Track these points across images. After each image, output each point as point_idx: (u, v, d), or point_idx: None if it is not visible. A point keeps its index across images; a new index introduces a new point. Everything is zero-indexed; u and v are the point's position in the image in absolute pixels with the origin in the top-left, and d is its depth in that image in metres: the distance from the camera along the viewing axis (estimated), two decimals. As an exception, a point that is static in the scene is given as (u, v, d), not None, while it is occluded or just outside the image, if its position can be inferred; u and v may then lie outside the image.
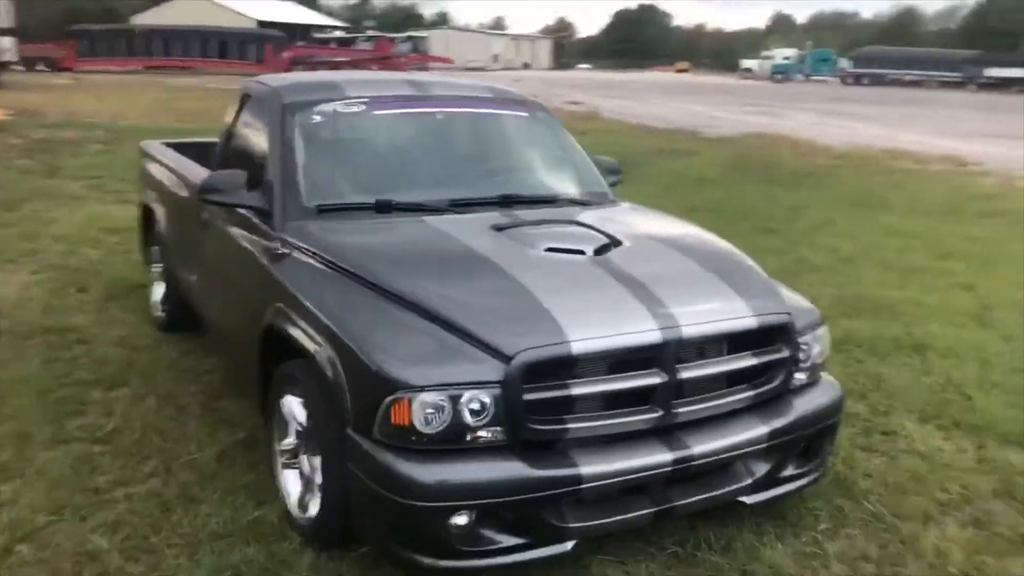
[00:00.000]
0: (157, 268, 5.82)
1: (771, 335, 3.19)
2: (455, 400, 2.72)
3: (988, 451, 4.08)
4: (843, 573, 3.14)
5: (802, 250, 8.18)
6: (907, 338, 5.62)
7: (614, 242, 3.40)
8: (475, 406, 2.73)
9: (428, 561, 2.80)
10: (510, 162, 4.35)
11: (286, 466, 3.47)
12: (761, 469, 3.19)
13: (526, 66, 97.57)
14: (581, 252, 3.32)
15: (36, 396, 4.55)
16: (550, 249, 3.33)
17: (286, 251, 3.55)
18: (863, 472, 3.82)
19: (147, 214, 5.85)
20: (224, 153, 4.57)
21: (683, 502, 3.03)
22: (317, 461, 3.19)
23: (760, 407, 3.18)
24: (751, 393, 3.15)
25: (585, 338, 2.82)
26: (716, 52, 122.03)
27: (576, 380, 2.84)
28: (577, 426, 2.84)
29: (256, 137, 4.36)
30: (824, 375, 3.49)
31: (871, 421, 4.38)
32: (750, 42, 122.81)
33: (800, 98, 39.89)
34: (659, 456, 2.92)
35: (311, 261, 3.42)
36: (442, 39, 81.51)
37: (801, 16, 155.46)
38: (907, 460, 3.97)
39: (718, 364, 3.08)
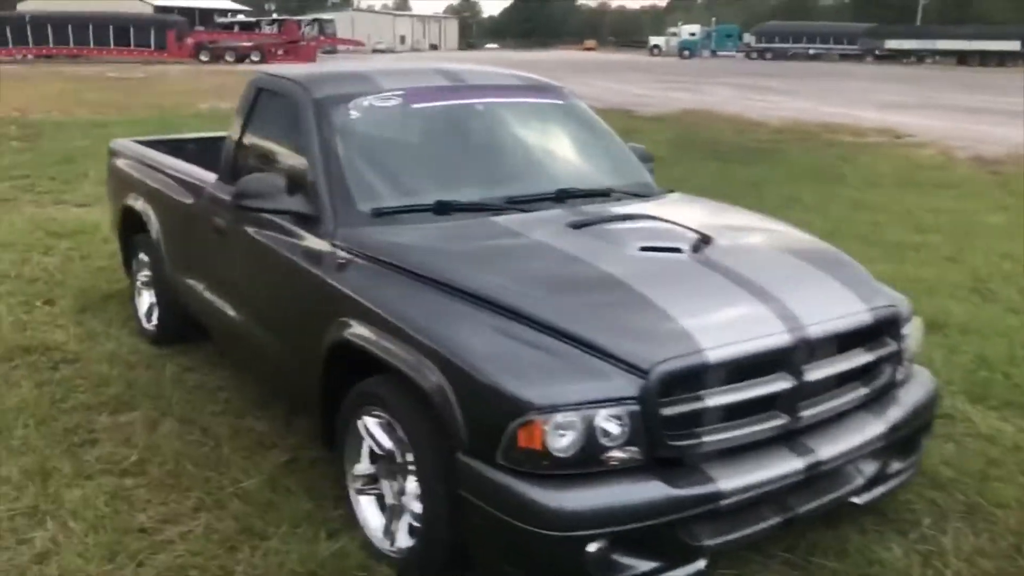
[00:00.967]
0: (144, 277, 5.41)
1: (881, 329, 3.07)
2: (589, 420, 2.51)
3: (1048, 429, 4.07)
4: (966, 571, 3.05)
5: (780, 228, 8.16)
6: (922, 315, 5.59)
7: (704, 238, 3.22)
8: (610, 425, 2.53)
9: (559, 591, 2.60)
10: (556, 154, 4.13)
11: (361, 492, 3.21)
12: (871, 468, 3.07)
13: (433, 47, 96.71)
14: (678, 250, 3.14)
15: (38, 425, 4.15)
16: (645, 248, 3.13)
17: (347, 260, 3.26)
18: (940, 460, 3.75)
19: (128, 218, 5.42)
20: (237, 154, 4.21)
21: (805, 509, 2.89)
22: (409, 487, 2.95)
23: (872, 404, 3.06)
24: (865, 391, 3.03)
25: (719, 345, 2.64)
26: (620, 30, 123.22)
27: (708, 390, 2.66)
28: (711, 439, 2.66)
29: (281, 136, 4.03)
30: (916, 366, 3.40)
31: (923, 405, 4.32)
32: (653, 19, 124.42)
33: (713, 73, 40.44)
34: (791, 464, 2.76)
35: (383, 270, 3.14)
36: (347, 21, 79.88)
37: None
38: (975, 444, 3.93)
39: (837, 363, 2.94)
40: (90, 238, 7.71)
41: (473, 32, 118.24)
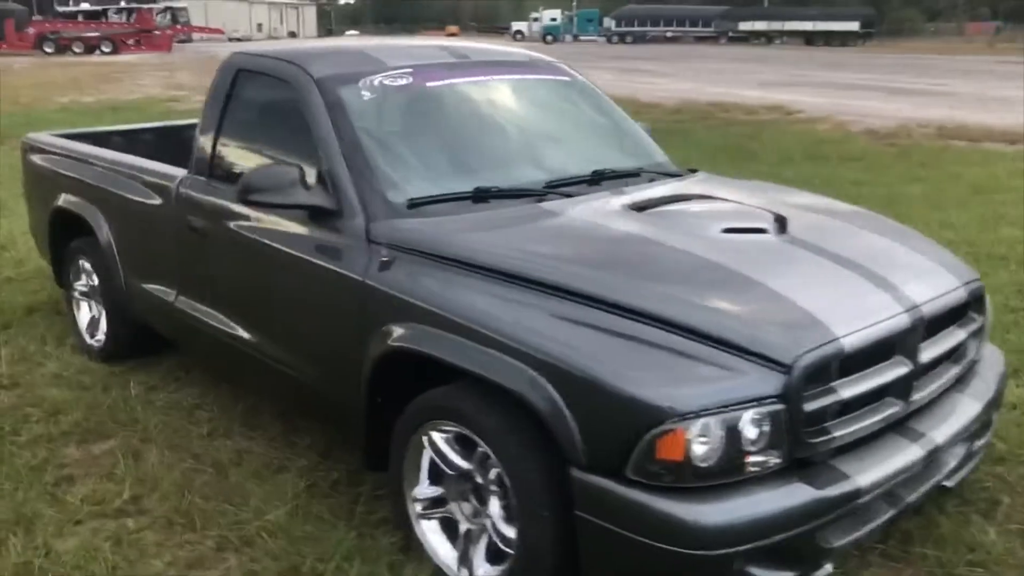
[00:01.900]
0: (83, 286, 4.83)
1: (970, 305, 2.95)
2: (733, 424, 2.27)
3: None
4: (1069, 550, 2.97)
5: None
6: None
7: (778, 218, 3.02)
8: (753, 427, 2.29)
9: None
10: (579, 133, 3.84)
11: (425, 517, 2.87)
12: (961, 448, 2.95)
13: (292, 35, 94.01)
14: (762, 231, 2.92)
15: (-4, 465, 3.60)
16: (728, 230, 2.90)
17: (391, 257, 2.90)
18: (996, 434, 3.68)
19: (61, 221, 4.81)
20: (216, 145, 3.74)
21: (913, 498, 2.73)
22: (493, 509, 2.64)
23: (962, 382, 2.94)
24: (957, 369, 2.90)
25: (851, 332, 2.44)
26: (480, 16, 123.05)
27: (841, 381, 2.45)
28: (840, 433, 2.46)
29: (275, 123, 3.61)
30: (979, 341, 3.31)
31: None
32: (513, 5, 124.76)
33: (585, 57, 40.73)
34: (912, 452, 2.60)
35: (441, 267, 2.80)
36: (200, 8, 76.50)
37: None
38: (1009, 415, 3.89)
39: (941, 342, 2.79)
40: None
41: (332, 19, 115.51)
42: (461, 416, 2.65)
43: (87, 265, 4.72)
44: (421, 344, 2.71)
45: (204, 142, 3.81)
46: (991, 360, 3.18)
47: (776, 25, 66.00)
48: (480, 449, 2.63)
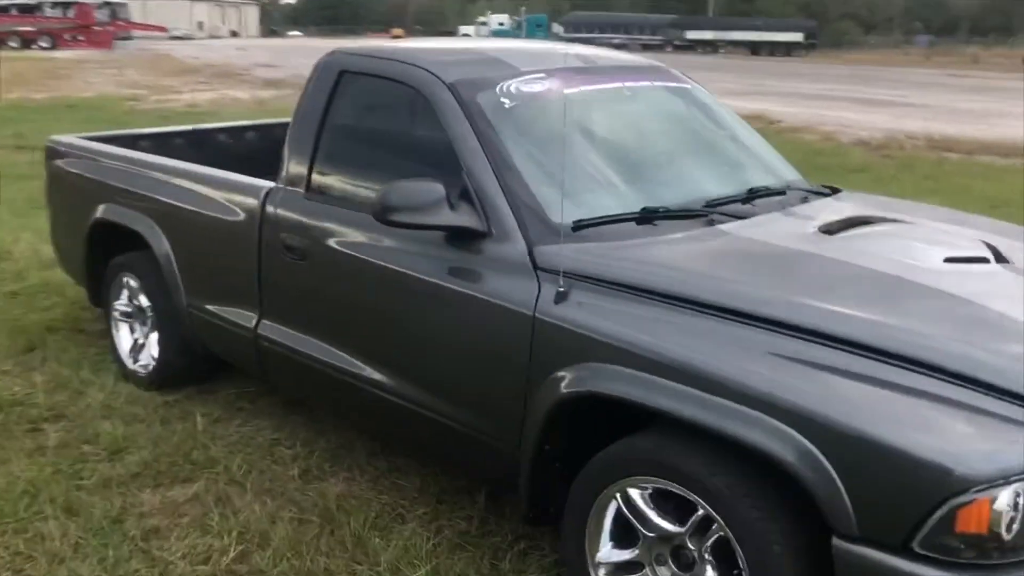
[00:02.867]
0: (125, 306, 4.37)
1: None
2: None
3: None
4: None
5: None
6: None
7: (990, 245, 2.76)
8: (1055, 491, 2.01)
9: None
10: (717, 145, 3.53)
11: (613, 584, 2.54)
12: None
13: (234, 34, 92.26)
14: (985, 260, 2.66)
15: (69, 516, 3.17)
16: (950, 259, 2.62)
17: (568, 288, 2.56)
18: None
19: (102, 234, 4.35)
20: (314, 154, 3.35)
21: None
22: (711, 578, 2.32)
23: None
24: None
25: None
26: (424, 19, 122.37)
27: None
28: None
29: (393, 130, 3.26)
30: None
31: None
32: (458, 8, 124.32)
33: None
34: None
35: (630, 299, 2.47)
36: (139, 5, 74.53)
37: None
38: None
39: None
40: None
41: (274, 19, 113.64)
42: (674, 472, 2.33)
43: (133, 283, 4.27)
44: (623, 388, 2.37)
45: (299, 152, 3.42)
46: None
47: (723, 35, 66.80)
48: (699, 512, 2.31)
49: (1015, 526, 1.97)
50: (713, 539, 2.31)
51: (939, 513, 1.95)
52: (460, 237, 2.82)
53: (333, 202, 3.26)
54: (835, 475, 2.05)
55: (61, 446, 3.69)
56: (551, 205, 2.77)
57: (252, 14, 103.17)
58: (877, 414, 2.05)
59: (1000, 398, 2.08)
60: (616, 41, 70.60)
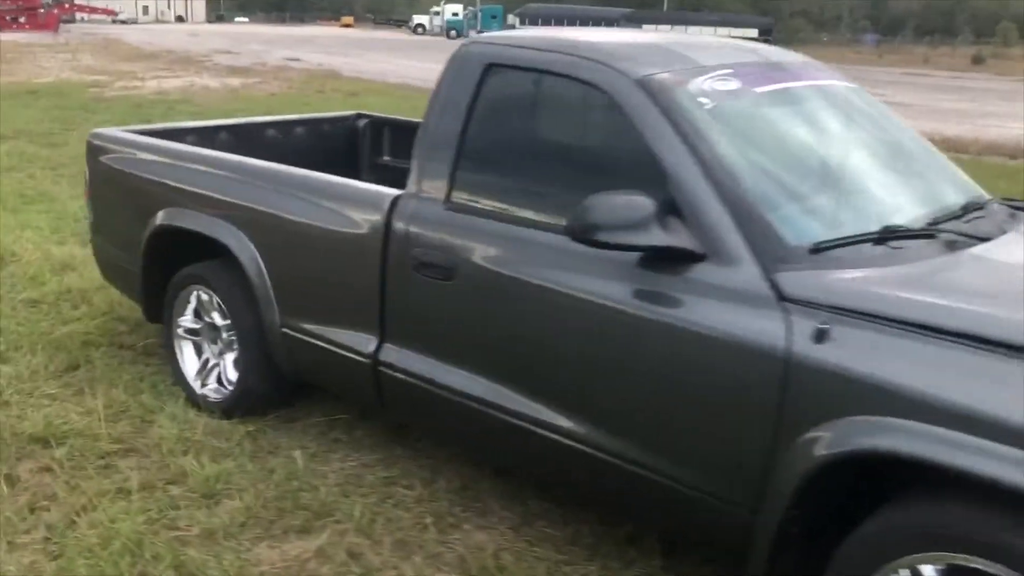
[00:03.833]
0: (189, 323, 3.90)
1: None
2: None
3: None
4: None
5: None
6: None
7: None
8: None
9: None
10: (906, 151, 3.17)
11: None
12: None
13: (180, 19, 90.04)
14: None
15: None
16: None
17: (827, 323, 2.19)
18: None
19: (165, 242, 3.87)
20: (457, 159, 2.93)
21: None
22: None
23: None
24: None
25: None
26: (373, 7, 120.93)
27: None
28: None
29: (561, 132, 2.85)
30: None
31: None
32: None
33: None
34: None
35: (905, 339, 2.11)
36: (82, -13, 72.17)
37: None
38: None
39: None
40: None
41: (221, 5, 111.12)
42: (994, 550, 1.97)
43: (204, 297, 3.79)
44: (915, 446, 2.01)
45: (436, 157, 2.99)
46: None
47: (679, 29, 67.00)
48: (1008, 586, 1.96)
49: None
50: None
51: None
52: (666, 259, 2.43)
53: (488, 215, 2.85)
54: None
55: (145, 488, 3.23)
56: (786, 223, 2.40)
57: (199, 0, 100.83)
58: None
59: None
60: (572, 34, 70.77)
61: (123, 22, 67.50)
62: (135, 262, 4.03)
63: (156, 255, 3.94)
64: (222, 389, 3.81)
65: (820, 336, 2.18)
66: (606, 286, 2.52)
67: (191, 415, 3.76)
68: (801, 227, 2.41)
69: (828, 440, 2.12)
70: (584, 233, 2.38)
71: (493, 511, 3.15)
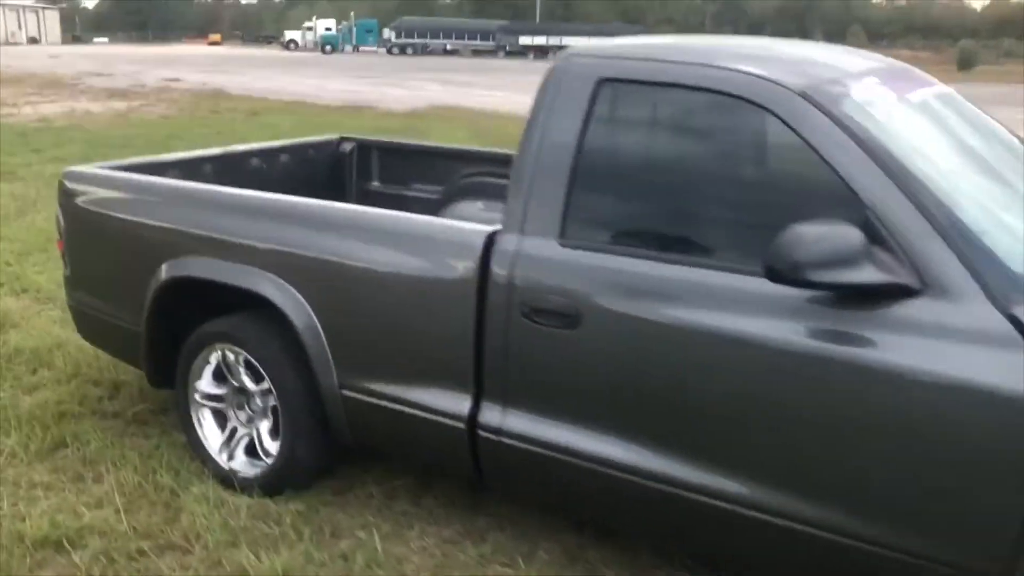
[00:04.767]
0: (211, 388, 3.38)
1: None
2: None
3: None
4: None
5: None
6: None
7: None
8: None
9: None
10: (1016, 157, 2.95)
11: None
12: None
13: (33, 40, 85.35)
14: None
15: None
16: None
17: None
18: None
19: (177, 295, 3.34)
20: (570, 191, 2.55)
21: None
22: None
23: None
24: None
25: None
26: (240, 24, 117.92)
27: None
28: None
29: (706, 154, 2.51)
30: None
31: None
32: (273, 15, 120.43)
33: (384, 69, 39.51)
34: None
35: None
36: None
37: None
38: None
39: None
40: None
41: (77, 25, 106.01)
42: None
43: (230, 358, 3.28)
44: None
45: (544, 187, 2.61)
46: None
47: (554, 40, 67.62)
48: None
49: None
50: None
51: None
52: (866, 295, 2.13)
53: (621, 252, 2.48)
54: None
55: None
56: (1001, 248, 2.13)
57: (53, 19, 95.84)
58: None
59: None
60: (448, 47, 70.47)
61: (-29, 45, 63.42)
62: (135, 320, 3.47)
63: (165, 311, 3.40)
64: (257, 462, 3.31)
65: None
66: (793, 329, 2.20)
67: (224, 496, 3.25)
68: (1018, 253, 2.15)
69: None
70: (792, 272, 2.05)
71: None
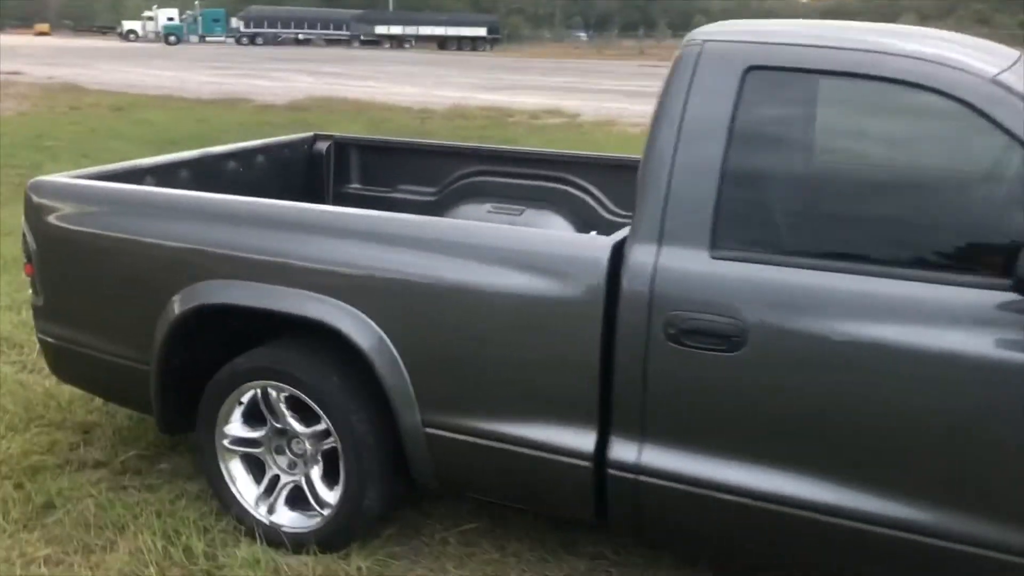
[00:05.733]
0: (244, 432, 2.90)
1: None
2: None
3: None
4: None
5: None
6: None
7: None
8: None
9: None
10: None
11: None
12: None
13: None
14: None
15: None
16: None
17: None
18: None
19: (201, 326, 2.85)
20: (720, 191, 2.25)
21: None
22: None
23: None
24: None
25: None
26: (70, 14, 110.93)
27: None
28: None
29: (880, 149, 2.26)
30: None
31: None
32: (108, 2, 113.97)
33: (238, 59, 37.85)
34: None
35: None
36: None
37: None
38: None
39: None
40: None
41: None
42: None
43: (272, 395, 2.81)
44: None
45: (685, 191, 2.29)
46: None
47: (411, 29, 66.80)
48: None
49: None
50: None
51: None
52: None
53: (797, 264, 2.20)
54: None
55: None
56: None
57: None
58: None
59: None
60: (300, 36, 68.40)
61: None
62: (139, 356, 2.95)
63: (184, 344, 2.89)
64: (312, 514, 2.86)
65: None
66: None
67: (276, 557, 2.79)
68: None
69: None
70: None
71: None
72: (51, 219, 3.09)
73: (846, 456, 2.18)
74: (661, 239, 2.31)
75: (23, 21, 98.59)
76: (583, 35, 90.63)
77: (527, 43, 76.41)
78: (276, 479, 2.92)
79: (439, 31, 66.54)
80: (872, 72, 2.18)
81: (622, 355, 2.34)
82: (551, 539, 2.89)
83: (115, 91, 19.86)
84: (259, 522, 2.90)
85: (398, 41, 67.48)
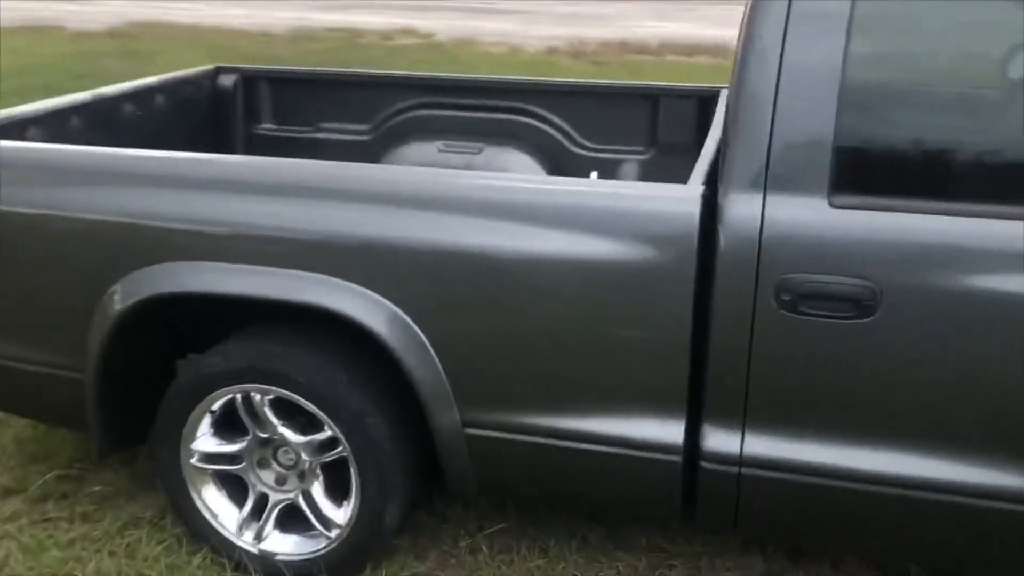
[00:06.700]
0: (222, 446, 2.35)
1: None
2: None
3: None
4: None
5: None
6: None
7: None
8: None
9: None
10: None
11: None
12: None
13: None
14: None
15: None
16: None
17: None
18: None
19: (141, 322, 2.26)
20: (838, 130, 1.86)
21: None
22: None
23: None
24: None
25: None
26: None
27: None
28: None
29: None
30: None
31: None
32: None
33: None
34: None
35: None
36: None
37: None
38: None
39: None
40: None
41: None
42: None
43: (256, 399, 2.26)
44: None
45: (797, 128, 1.88)
46: None
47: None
48: None
49: None
50: None
51: None
52: None
53: (943, 211, 1.84)
54: None
55: None
56: None
57: None
58: None
59: None
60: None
61: None
62: (70, 363, 2.32)
63: (130, 345, 2.28)
64: (316, 537, 2.36)
65: None
66: None
67: (276, 595, 2.27)
68: None
69: None
70: None
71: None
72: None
73: (1002, 432, 1.89)
74: (766, 186, 1.90)
75: None
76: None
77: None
78: (264, 498, 2.38)
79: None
80: None
81: (720, 329, 1.94)
82: (595, 535, 2.51)
83: None
84: (247, 553, 2.37)
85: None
